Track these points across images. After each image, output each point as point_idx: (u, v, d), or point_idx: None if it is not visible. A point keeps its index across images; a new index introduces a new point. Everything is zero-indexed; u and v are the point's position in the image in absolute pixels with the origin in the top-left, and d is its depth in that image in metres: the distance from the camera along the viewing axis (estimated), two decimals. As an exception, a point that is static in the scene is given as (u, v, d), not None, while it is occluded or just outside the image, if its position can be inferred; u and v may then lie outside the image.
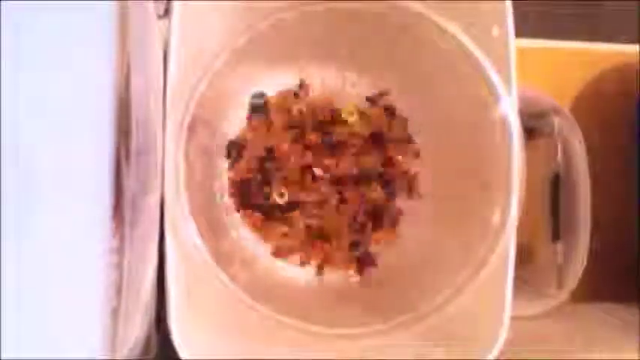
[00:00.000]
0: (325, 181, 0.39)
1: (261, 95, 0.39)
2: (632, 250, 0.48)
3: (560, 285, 0.42)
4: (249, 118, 0.39)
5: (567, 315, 0.45)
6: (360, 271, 0.39)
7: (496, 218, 0.35)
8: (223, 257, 0.35)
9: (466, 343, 0.34)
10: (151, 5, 0.32)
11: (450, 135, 0.38)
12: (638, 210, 0.48)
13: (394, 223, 0.39)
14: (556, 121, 0.43)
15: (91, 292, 0.24)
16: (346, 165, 0.39)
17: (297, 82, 0.39)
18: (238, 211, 0.38)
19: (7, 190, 0.23)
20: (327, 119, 0.39)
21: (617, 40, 0.50)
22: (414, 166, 0.39)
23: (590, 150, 0.42)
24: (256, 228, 0.38)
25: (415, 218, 0.39)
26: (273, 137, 0.39)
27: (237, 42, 0.34)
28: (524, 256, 0.38)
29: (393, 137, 0.39)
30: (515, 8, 0.35)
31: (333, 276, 0.39)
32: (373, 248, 0.39)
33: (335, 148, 0.39)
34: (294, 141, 0.39)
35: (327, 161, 0.39)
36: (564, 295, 0.42)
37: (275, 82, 0.39)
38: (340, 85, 0.39)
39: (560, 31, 0.51)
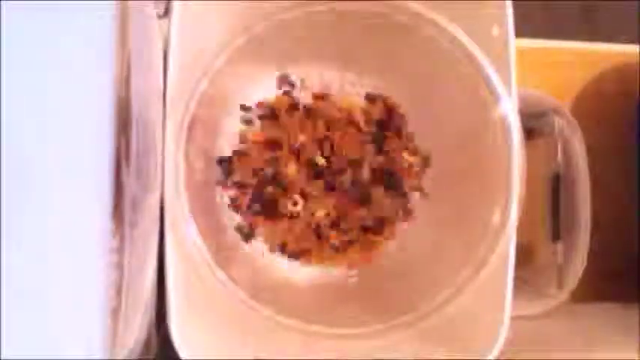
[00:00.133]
0: (325, 178, 0.39)
1: (249, 108, 0.39)
2: (632, 250, 0.48)
3: (560, 285, 0.42)
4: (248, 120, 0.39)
5: (567, 315, 0.45)
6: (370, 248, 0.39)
7: (496, 218, 0.35)
8: (223, 257, 0.35)
9: (466, 343, 0.34)
10: (151, 5, 0.32)
11: (449, 135, 0.38)
12: (638, 210, 0.48)
13: (395, 222, 0.39)
14: (556, 120, 0.43)
15: (91, 292, 0.24)
16: (346, 164, 0.39)
17: (298, 81, 0.39)
18: (238, 211, 0.38)
19: (7, 190, 0.24)
20: (327, 119, 0.39)
21: (617, 40, 0.50)
22: (415, 166, 0.39)
23: (590, 150, 0.42)
24: (256, 227, 0.38)
25: (415, 218, 0.39)
26: (274, 137, 0.39)
27: (237, 42, 0.34)
28: (524, 256, 0.38)
29: (393, 137, 0.39)
30: (516, 8, 0.35)
31: (333, 276, 0.39)
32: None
33: (335, 148, 0.39)
34: (295, 139, 0.39)
35: (327, 160, 0.39)
36: (564, 295, 0.42)
37: (275, 82, 0.39)
38: (340, 85, 0.39)
39: (560, 31, 0.51)
